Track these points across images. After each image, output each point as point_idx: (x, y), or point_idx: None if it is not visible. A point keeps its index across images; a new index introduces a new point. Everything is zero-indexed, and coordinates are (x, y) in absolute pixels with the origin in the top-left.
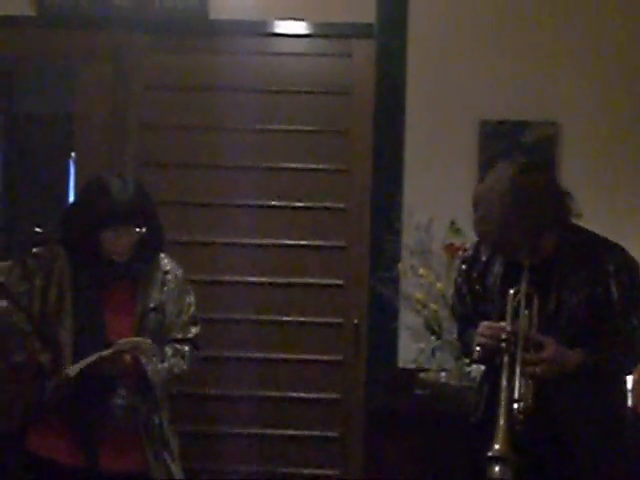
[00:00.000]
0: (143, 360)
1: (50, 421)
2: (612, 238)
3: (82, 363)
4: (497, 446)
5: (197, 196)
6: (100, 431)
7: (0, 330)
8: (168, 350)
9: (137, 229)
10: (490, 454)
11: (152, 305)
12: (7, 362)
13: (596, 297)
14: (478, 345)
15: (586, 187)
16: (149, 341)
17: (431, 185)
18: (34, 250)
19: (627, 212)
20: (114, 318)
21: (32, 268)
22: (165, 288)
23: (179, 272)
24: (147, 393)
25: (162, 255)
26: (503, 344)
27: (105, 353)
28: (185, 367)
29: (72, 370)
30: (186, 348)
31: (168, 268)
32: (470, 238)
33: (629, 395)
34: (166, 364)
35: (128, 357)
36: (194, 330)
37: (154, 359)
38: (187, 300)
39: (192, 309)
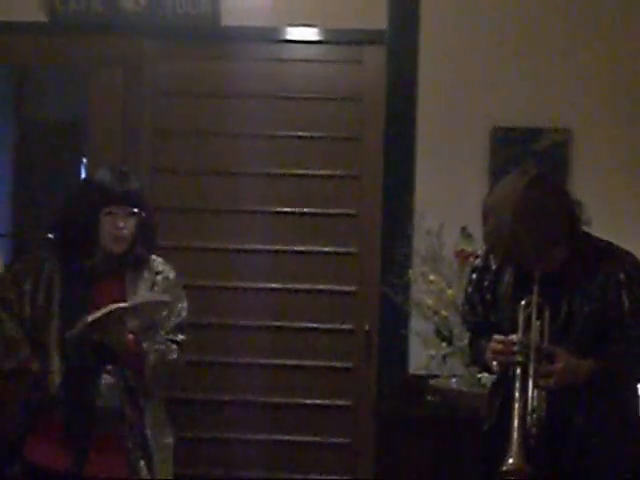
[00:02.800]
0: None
1: (43, 427)
2: (623, 245)
3: (100, 311)
4: (511, 460)
5: (208, 202)
6: (88, 435)
7: None
8: (159, 339)
9: (135, 210)
10: (504, 468)
11: None
12: None
13: (607, 306)
14: (492, 360)
15: (598, 194)
16: (167, 297)
17: (442, 191)
18: (24, 256)
19: (639, 219)
20: None
21: (21, 273)
22: (155, 288)
23: (172, 275)
24: (139, 378)
25: (154, 257)
26: (516, 357)
27: (120, 305)
28: (176, 357)
29: (90, 317)
30: (174, 346)
31: (160, 269)
32: (481, 244)
33: None
34: (160, 347)
35: (130, 336)
36: (181, 336)
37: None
38: (179, 305)
39: (183, 315)
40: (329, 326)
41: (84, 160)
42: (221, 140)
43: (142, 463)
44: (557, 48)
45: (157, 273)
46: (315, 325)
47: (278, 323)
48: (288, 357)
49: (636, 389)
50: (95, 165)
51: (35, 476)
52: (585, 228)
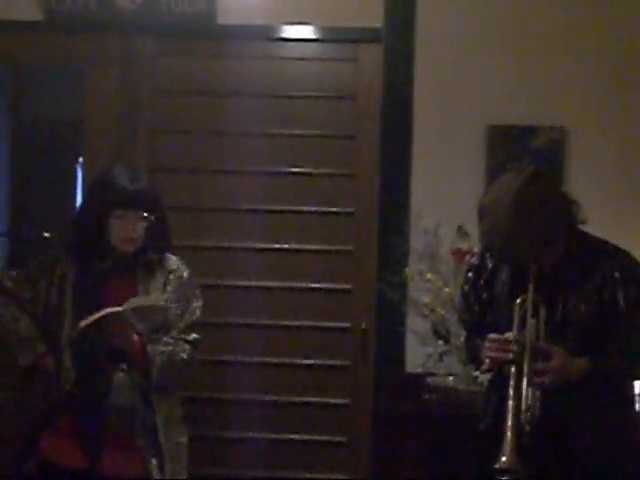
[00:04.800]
0: (146, 341)
1: (59, 425)
2: (619, 243)
3: (92, 316)
4: (504, 457)
5: (204, 201)
6: (101, 433)
7: (7, 336)
8: (168, 340)
9: (145, 214)
10: (497, 465)
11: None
12: (15, 368)
13: (603, 305)
14: (487, 358)
15: (594, 191)
16: (163, 301)
17: (439, 189)
18: (40, 256)
19: (635, 217)
20: None
21: (35, 273)
22: (168, 288)
23: (185, 274)
24: (146, 379)
25: (169, 255)
26: (510, 355)
27: (114, 309)
28: (185, 357)
29: (84, 322)
30: (186, 345)
31: (173, 268)
32: (477, 242)
33: (637, 400)
34: (167, 348)
35: (136, 337)
36: (194, 335)
37: (158, 344)
38: (194, 304)
39: (197, 314)
40: (326, 324)
41: (80, 159)
42: (217, 138)
43: (154, 462)
44: (553, 46)
45: (170, 272)
46: (312, 323)
47: (275, 321)
48: (284, 355)
49: (633, 387)
50: (91, 164)
51: (51, 473)
52: (581, 226)
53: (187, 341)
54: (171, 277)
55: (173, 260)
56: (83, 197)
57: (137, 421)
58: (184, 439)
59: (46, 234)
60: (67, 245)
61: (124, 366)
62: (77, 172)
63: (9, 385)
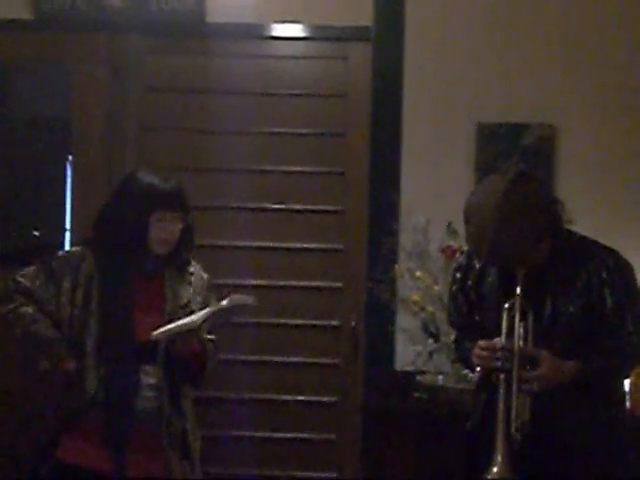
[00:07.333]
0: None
1: (81, 428)
2: (608, 242)
3: (201, 315)
4: (495, 468)
5: (194, 199)
6: (127, 435)
7: (26, 338)
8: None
9: (182, 214)
10: (489, 477)
11: (181, 303)
12: (34, 371)
13: (591, 304)
14: (477, 365)
15: (583, 189)
16: (252, 299)
17: (428, 187)
18: (60, 253)
19: (623, 215)
20: (142, 317)
21: (59, 271)
22: (191, 288)
23: (204, 275)
24: (195, 376)
25: None
26: (499, 363)
27: (221, 306)
28: (217, 358)
29: (155, 334)
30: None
31: (193, 270)
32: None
33: (627, 398)
34: (211, 346)
35: (196, 341)
36: (211, 336)
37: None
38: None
39: None
40: (316, 322)
41: (70, 157)
42: (207, 137)
43: (184, 463)
44: (542, 44)
45: (191, 273)
46: (302, 321)
47: (264, 319)
48: (274, 353)
49: (622, 387)
50: (80, 162)
51: (72, 477)
52: (569, 225)
53: (211, 341)
54: (193, 279)
55: (191, 262)
56: (113, 201)
57: (163, 423)
58: (199, 440)
59: (35, 232)
60: (92, 243)
61: (149, 368)
62: (67, 170)
63: (27, 388)
